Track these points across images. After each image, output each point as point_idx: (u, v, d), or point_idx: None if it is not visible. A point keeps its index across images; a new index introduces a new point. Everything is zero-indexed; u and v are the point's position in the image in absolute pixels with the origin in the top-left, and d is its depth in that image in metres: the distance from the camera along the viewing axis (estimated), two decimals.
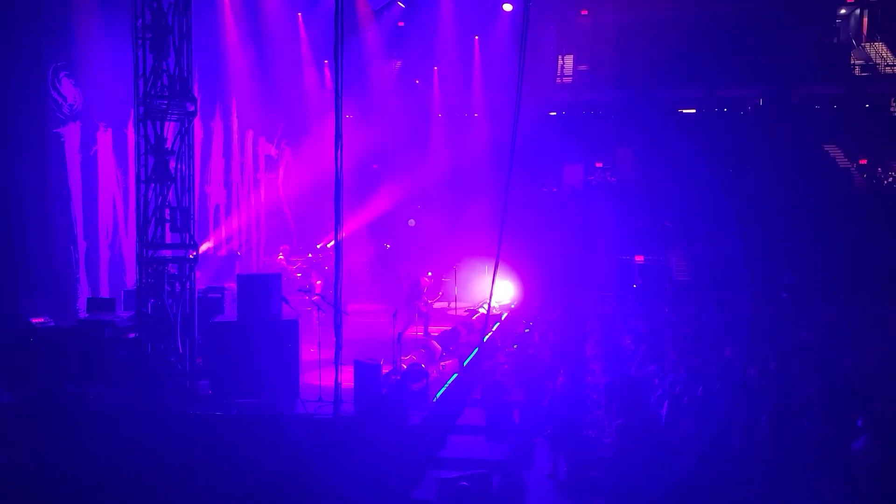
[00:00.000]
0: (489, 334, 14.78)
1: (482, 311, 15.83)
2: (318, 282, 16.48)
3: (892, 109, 25.45)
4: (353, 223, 19.95)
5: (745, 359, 11.56)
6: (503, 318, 17.41)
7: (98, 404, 9.40)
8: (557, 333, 15.52)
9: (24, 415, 9.29)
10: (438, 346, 13.11)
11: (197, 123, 10.36)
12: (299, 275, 17.36)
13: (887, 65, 26.44)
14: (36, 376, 9.78)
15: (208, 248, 17.09)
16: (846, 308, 17.90)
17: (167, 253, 9.83)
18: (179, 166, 9.88)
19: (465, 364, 12.64)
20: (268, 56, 19.43)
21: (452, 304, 17.11)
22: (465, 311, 17.20)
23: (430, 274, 16.81)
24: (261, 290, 10.22)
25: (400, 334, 11.92)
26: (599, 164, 27.53)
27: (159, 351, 9.68)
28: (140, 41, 9.73)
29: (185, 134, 9.96)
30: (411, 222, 21.12)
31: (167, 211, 9.80)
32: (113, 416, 9.23)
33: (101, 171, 13.83)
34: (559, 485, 9.37)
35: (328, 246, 18.02)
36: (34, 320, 10.40)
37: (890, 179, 25.36)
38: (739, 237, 23.85)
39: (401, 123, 23.46)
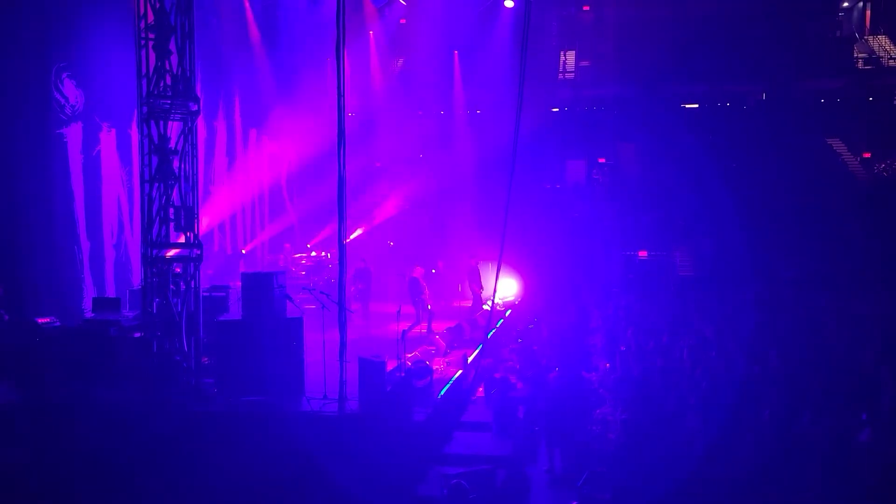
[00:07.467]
0: (493, 330, 14.77)
1: (486, 307, 15.81)
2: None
3: (895, 102, 25.33)
4: (359, 221, 19.98)
5: (749, 354, 11.57)
6: (507, 315, 17.40)
7: (103, 403, 9.43)
8: (557, 329, 15.50)
9: (30, 414, 9.34)
10: (443, 343, 13.13)
11: (200, 122, 10.37)
12: (304, 272, 17.38)
13: (891, 58, 26.36)
14: (42, 375, 9.83)
15: (212, 246, 17.11)
16: (849, 301, 17.89)
17: (172, 252, 9.87)
18: (183, 165, 9.91)
19: (469, 360, 12.64)
20: (272, 54, 19.43)
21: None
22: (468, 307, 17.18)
23: (433, 271, 16.78)
24: (265, 288, 10.23)
25: (405, 331, 11.93)
26: (602, 160, 27.51)
27: (164, 350, 9.73)
28: (143, 41, 9.77)
29: (188, 133, 9.99)
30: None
31: (171, 210, 9.84)
32: (118, 414, 9.27)
33: (105, 171, 13.86)
34: (563, 479, 9.37)
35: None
36: (40, 320, 10.46)
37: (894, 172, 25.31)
38: (742, 232, 23.84)
39: (403, 121, 23.44)
